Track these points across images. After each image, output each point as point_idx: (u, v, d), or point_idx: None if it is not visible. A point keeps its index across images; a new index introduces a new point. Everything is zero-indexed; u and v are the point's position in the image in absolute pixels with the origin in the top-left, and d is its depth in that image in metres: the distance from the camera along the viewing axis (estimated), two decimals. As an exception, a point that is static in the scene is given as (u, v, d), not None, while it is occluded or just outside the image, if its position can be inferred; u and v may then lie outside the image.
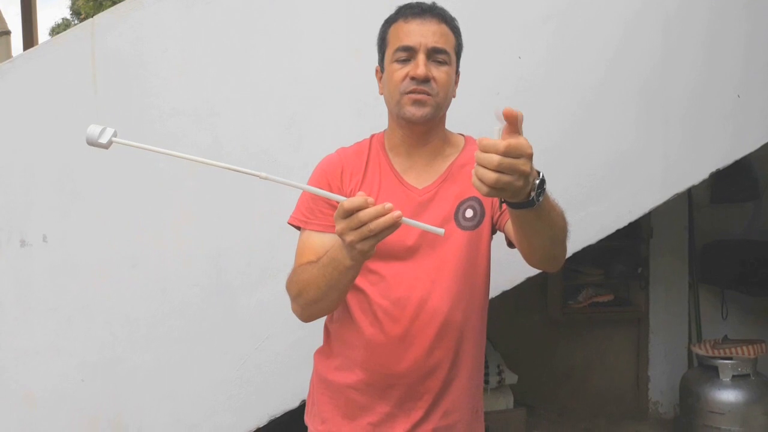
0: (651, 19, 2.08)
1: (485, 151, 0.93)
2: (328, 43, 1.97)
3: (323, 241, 1.32)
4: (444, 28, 1.33)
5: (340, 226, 1.06)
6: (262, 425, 2.02)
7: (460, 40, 1.39)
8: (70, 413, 1.95)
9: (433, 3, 1.38)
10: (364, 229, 1.03)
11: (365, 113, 1.93)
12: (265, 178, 1.05)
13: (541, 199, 1.04)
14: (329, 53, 1.97)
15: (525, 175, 0.95)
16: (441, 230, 1.07)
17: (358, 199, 1.04)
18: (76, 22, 16.52)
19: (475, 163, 0.95)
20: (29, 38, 4.65)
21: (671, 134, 2.10)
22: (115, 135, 1.08)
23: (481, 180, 0.95)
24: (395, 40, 1.33)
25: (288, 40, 1.96)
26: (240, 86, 1.95)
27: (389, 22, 1.37)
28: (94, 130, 1.07)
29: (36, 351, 1.93)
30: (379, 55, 1.40)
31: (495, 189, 0.95)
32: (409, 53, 1.31)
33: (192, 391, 1.99)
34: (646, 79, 2.08)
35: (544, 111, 2.03)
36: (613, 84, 2.07)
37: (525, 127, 2.13)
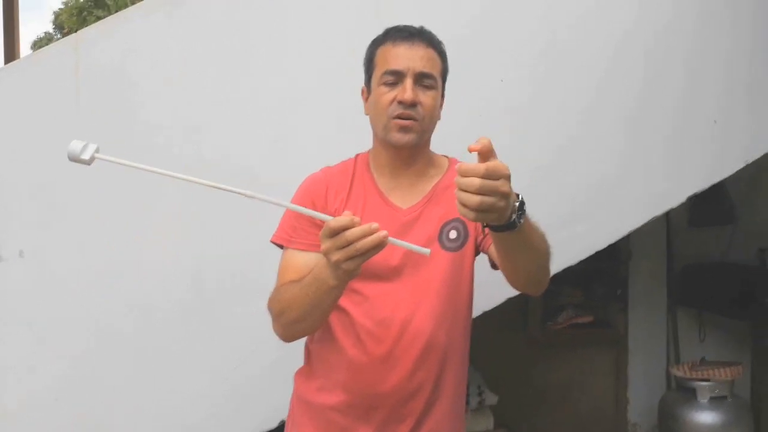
0: (634, 47, 2.13)
1: (466, 175, 0.96)
2: (313, 61, 1.98)
3: (306, 260, 1.32)
4: (431, 52, 1.35)
5: (326, 245, 1.06)
6: (240, 445, 1.99)
7: (446, 64, 1.40)
8: (46, 428, 1.91)
9: (421, 27, 1.39)
10: (351, 249, 1.04)
11: (349, 131, 1.92)
12: (251, 197, 1.05)
13: (522, 221, 1.06)
14: (314, 71, 1.98)
15: (506, 196, 0.98)
16: (427, 250, 1.08)
17: (345, 218, 1.04)
18: (58, 36, 16.42)
19: (456, 189, 0.97)
20: (11, 52, 4.62)
21: (652, 158, 2.14)
22: (97, 151, 1.07)
23: (465, 204, 0.97)
24: (383, 63, 1.34)
25: (273, 58, 1.97)
26: (224, 102, 1.95)
27: (377, 44, 1.38)
28: (75, 146, 1.06)
29: (12, 366, 1.89)
30: (365, 76, 1.41)
31: (480, 212, 0.97)
32: (396, 77, 1.32)
33: (169, 410, 1.95)
34: (630, 106, 2.12)
35: (529, 134, 2.06)
36: (597, 110, 2.11)
37: (510, 149, 2.16)
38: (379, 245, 1.04)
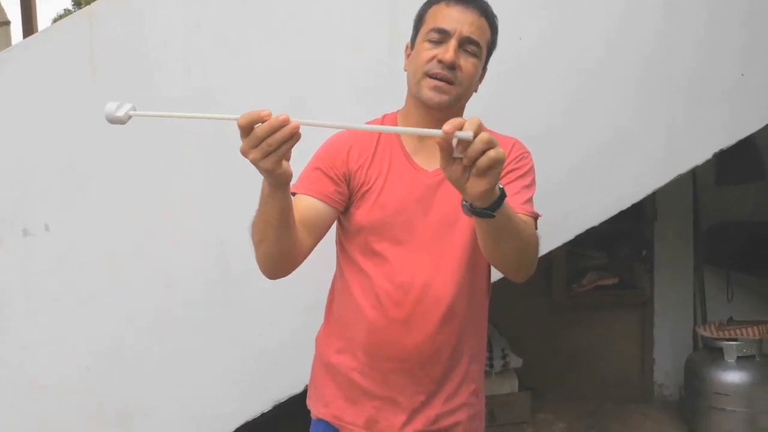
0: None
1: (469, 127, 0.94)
2: (329, 29, 1.96)
3: (310, 203, 1.32)
4: (483, 21, 1.33)
5: (242, 145, 1.01)
6: (266, 410, 2.03)
7: (495, 37, 1.39)
8: (76, 402, 1.96)
9: None
10: (264, 146, 0.99)
11: (365, 99, 1.91)
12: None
13: (485, 211, 1.04)
14: (329, 39, 1.96)
15: (476, 166, 0.95)
16: (438, 132, 0.96)
17: (252, 113, 0.99)
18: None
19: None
20: (29, 28, 4.64)
21: (674, 114, 2.08)
22: (133, 109, 1.07)
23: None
24: (432, 20, 1.33)
25: (288, 27, 1.95)
26: (240, 73, 1.94)
27: (431, 3, 1.37)
28: (111, 106, 1.06)
29: (41, 341, 1.94)
30: (412, 33, 1.40)
31: (446, 142, 0.95)
32: (442, 36, 1.30)
33: (197, 378, 2.00)
34: (648, 57, 2.06)
35: (544, 90, 2.02)
36: (614, 63, 2.05)
37: (526, 106, 2.10)
38: (292, 137, 0.99)
